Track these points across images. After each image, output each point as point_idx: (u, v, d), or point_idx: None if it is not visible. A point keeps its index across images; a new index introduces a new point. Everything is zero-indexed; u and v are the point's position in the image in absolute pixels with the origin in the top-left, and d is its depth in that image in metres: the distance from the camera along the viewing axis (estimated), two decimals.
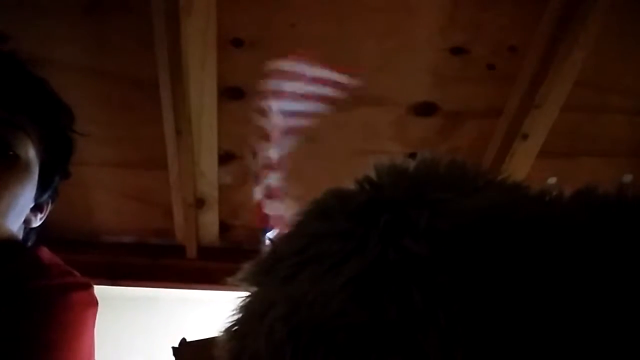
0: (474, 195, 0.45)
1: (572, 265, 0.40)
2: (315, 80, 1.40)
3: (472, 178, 0.48)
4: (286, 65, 1.39)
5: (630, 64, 1.79)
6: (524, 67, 1.78)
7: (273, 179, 1.37)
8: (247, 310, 0.48)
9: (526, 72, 1.79)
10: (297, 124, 1.38)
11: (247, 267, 0.50)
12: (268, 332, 0.43)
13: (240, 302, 0.49)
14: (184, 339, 1.32)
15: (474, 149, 1.95)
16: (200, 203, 2.04)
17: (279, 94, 1.38)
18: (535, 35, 1.72)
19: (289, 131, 1.37)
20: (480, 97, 1.87)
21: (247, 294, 0.49)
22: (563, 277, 0.40)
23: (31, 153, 1.04)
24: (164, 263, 2.17)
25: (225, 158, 1.97)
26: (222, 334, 0.49)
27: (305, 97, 1.38)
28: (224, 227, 2.16)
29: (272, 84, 1.38)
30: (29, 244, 1.12)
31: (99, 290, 1.05)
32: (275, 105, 1.36)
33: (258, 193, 1.38)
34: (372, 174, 0.50)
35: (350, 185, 0.50)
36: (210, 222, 2.12)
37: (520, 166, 1.90)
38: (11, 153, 1.01)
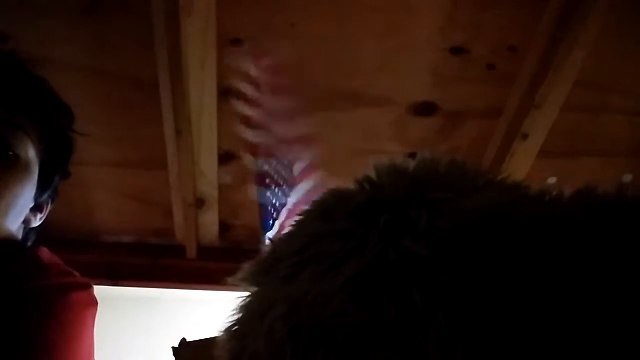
0: (474, 195, 0.45)
1: (572, 265, 0.40)
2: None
3: (472, 178, 0.48)
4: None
5: (630, 64, 1.79)
6: (524, 67, 1.78)
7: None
8: (247, 311, 0.48)
9: (526, 72, 1.78)
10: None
11: (247, 267, 0.50)
12: (268, 332, 0.43)
13: (241, 302, 0.49)
14: (184, 339, 1.32)
15: (474, 149, 1.95)
16: (200, 203, 2.04)
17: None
18: (535, 35, 1.72)
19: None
20: (480, 97, 1.87)
21: (247, 294, 0.49)
22: (563, 277, 0.40)
23: (31, 153, 1.04)
24: (164, 263, 2.17)
25: (225, 158, 1.97)
26: (222, 334, 0.49)
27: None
28: (224, 227, 2.16)
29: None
30: (29, 244, 1.12)
31: (99, 290, 1.05)
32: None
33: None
34: (372, 174, 0.50)
35: (350, 185, 0.50)
36: (210, 222, 2.12)
37: (520, 166, 1.90)
38: (11, 153, 1.01)
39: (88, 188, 2.04)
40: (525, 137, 1.87)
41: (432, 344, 0.38)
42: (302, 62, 1.73)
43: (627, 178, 1.95)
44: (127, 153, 1.97)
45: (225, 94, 1.78)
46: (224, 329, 0.49)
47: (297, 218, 0.51)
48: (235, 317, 0.48)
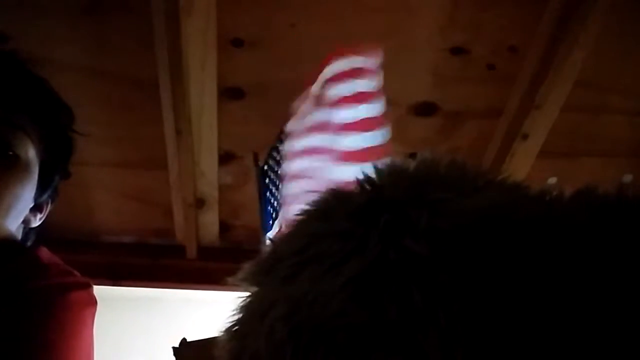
0: (474, 195, 0.45)
1: (572, 265, 0.40)
2: (346, 74, 1.34)
3: (472, 178, 0.48)
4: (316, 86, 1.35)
5: (630, 64, 1.80)
6: (524, 67, 1.78)
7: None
8: (248, 310, 0.48)
9: (526, 72, 1.79)
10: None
11: (247, 267, 0.50)
12: (268, 332, 0.43)
13: (241, 302, 0.49)
14: (184, 339, 1.32)
15: (474, 149, 1.95)
16: (200, 203, 2.04)
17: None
18: (535, 35, 1.72)
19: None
20: (480, 97, 1.87)
21: (247, 294, 0.49)
22: (563, 277, 0.40)
23: (31, 153, 1.04)
24: (164, 263, 2.17)
25: (225, 158, 1.97)
26: (222, 334, 0.49)
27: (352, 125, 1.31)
28: (224, 227, 2.16)
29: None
30: (29, 243, 1.12)
31: (100, 290, 1.05)
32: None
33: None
34: (372, 174, 0.50)
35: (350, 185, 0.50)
36: (210, 222, 2.13)
37: (520, 166, 1.91)
38: (11, 153, 1.01)
39: (88, 188, 2.04)
40: (525, 137, 1.87)
41: (432, 344, 0.38)
42: (302, 62, 1.73)
43: (627, 178, 1.95)
44: (127, 153, 1.97)
45: (226, 94, 1.79)
46: (224, 329, 0.49)
47: (297, 218, 0.51)
48: (235, 317, 0.48)
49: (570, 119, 1.88)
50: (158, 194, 2.05)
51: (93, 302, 1.01)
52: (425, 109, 1.89)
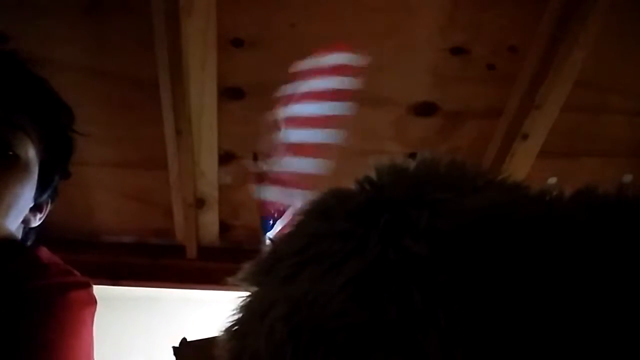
0: (474, 195, 0.45)
1: (572, 265, 0.40)
2: (332, 70, 1.37)
3: (472, 178, 0.48)
4: (304, 64, 1.37)
5: (630, 64, 1.80)
6: (524, 67, 1.78)
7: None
8: (248, 310, 0.48)
9: (526, 72, 1.79)
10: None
11: (247, 267, 0.50)
12: (268, 332, 0.43)
13: (241, 302, 0.49)
14: (184, 339, 1.32)
15: (474, 149, 1.95)
16: (200, 203, 2.04)
17: (299, 96, 1.35)
18: (535, 35, 1.72)
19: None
20: (480, 97, 1.87)
21: (247, 293, 0.49)
22: (563, 277, 0.40)
23: (31, 153, 1.04)
24: (164, 263, 2.17)
25: (225, 158, 1.97)
26: (222, 333, 0.49)
27: (324, 95, 1.35)
28: (224, 227, 2.16)
29: (290, 88, 1.36)
30: (28, 243, 1.12)
31: (100, 290, 1.05)
32: (294, 108, 1.34)
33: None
34: (372, 174, 0.50)
35: (350, 185, 0.50)
36: (210, 222, 2.12)
37: (520, 166, 1.90)
38: (11, 153, 1.01)
39: (88, 188, 2.04)
40: (525, 137, 1.87)
41: (432, 344, 0.38)
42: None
43: (627, 178, 1.95)
44: (127, 153, 1.97)
45: (226, 94, 1.79)
46: (224, 328, 0.49)
47: (297, 218, 0.51)
48: (235, 317, 0.48)
49: (570, 119, 1.88)
50: (158, 194, 2.05)
51: (93, 302, 1.01)
52: (425, 109, 1.89)
